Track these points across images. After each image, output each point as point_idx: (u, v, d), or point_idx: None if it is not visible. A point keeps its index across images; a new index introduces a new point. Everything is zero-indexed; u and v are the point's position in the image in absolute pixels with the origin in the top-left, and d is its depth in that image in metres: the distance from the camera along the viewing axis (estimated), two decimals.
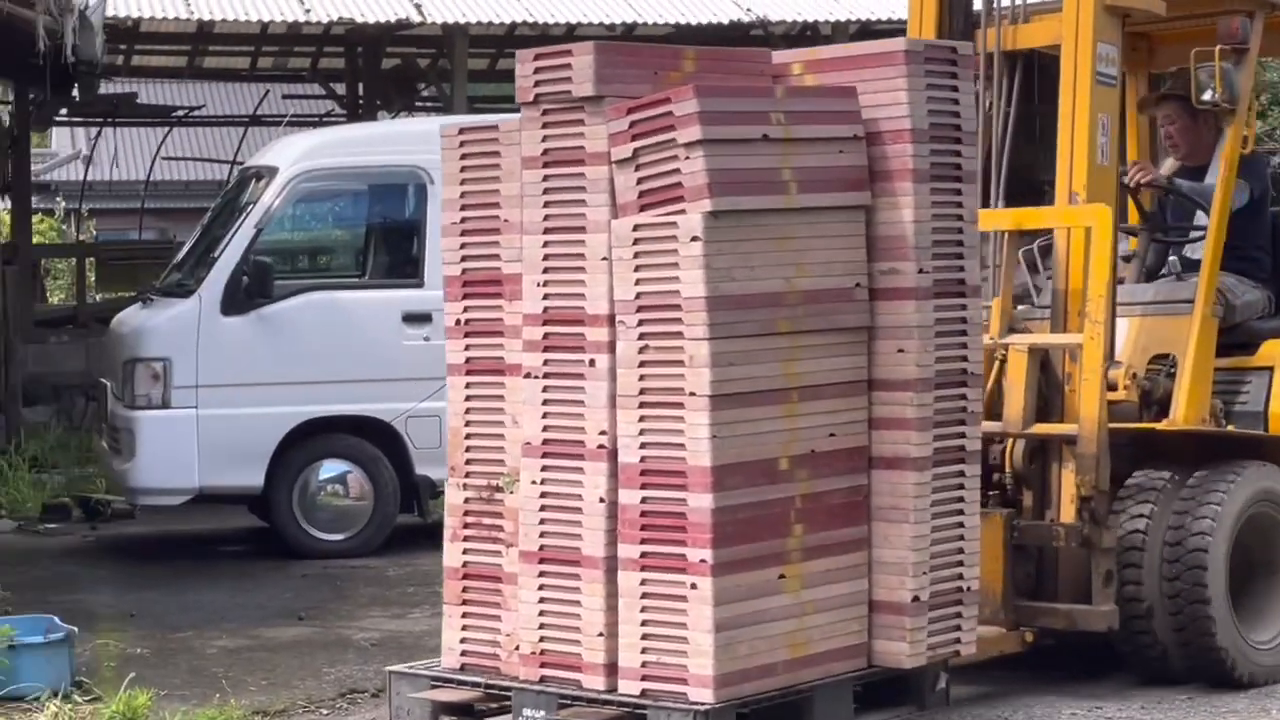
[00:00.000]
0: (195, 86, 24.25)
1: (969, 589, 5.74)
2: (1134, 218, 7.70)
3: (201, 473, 9.99)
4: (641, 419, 5.27)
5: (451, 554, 5.85)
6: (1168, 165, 8.19)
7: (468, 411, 5.80)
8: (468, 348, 5.81)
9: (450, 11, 15.32)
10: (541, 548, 5.55)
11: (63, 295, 21.96)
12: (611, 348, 5.37)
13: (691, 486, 5.17)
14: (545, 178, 5.52)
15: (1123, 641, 6.56)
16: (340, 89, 18.93)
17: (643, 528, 5.29)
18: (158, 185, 22.57)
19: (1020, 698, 6.54)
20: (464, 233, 5.80)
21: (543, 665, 5.55)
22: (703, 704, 5.14)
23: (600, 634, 5.39)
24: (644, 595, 5.29)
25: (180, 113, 20.41)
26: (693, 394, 5.16)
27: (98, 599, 7.60)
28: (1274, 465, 6.89)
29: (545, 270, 5.53)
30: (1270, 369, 7.38)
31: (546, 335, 5.53)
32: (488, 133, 5.72)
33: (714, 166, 5.15)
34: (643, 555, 5.29)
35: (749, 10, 15.60)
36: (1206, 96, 7.05)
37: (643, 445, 5.27)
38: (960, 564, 5.73)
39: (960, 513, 5.73)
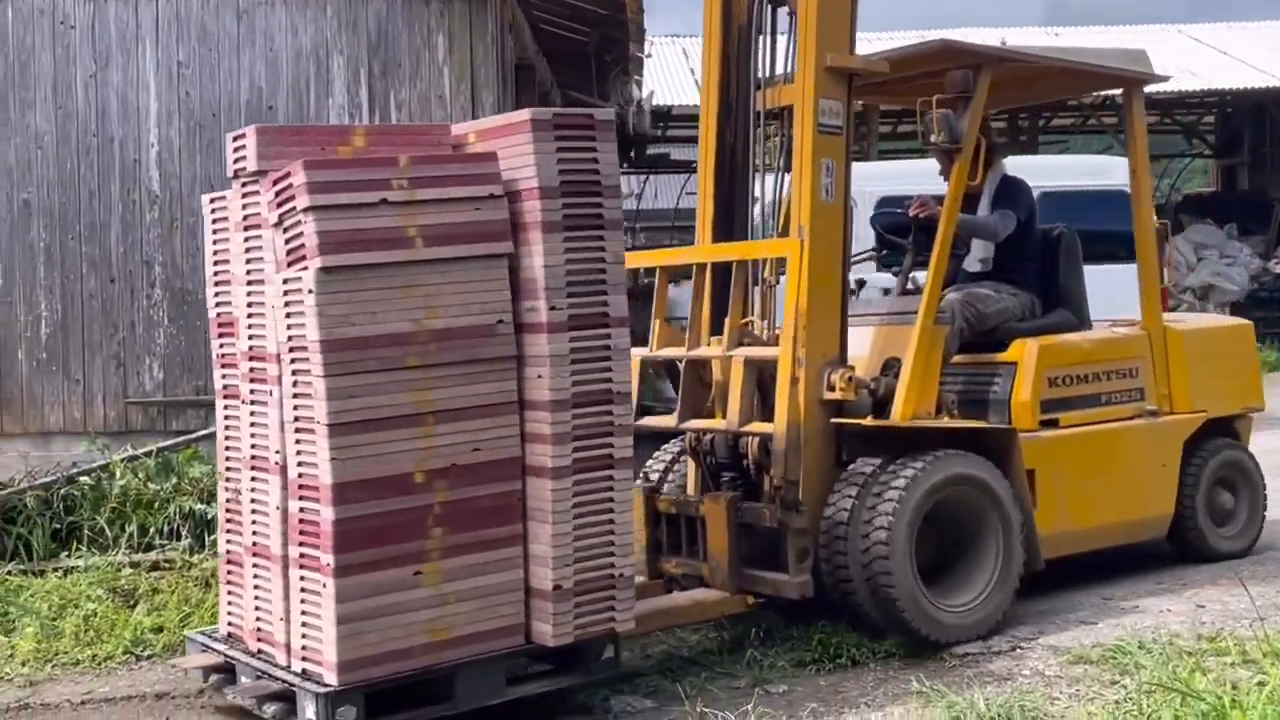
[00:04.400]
0: None
1: (621, 575, 5.03)
2: None
3: None
4: (298, 441, 4.77)
5: (220, 543, 5.33)
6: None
7: (226, 428, 5.29)
8: (224, 376, 5.32)
9: None
10: (254, 544, 5.11)
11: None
12: (281, 380, 4.72)
13: (321, 500, 4.59)
14: (245, 239, 5.06)
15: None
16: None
17: (301, 533, 4.80)
18: (680, 212, 24.13)
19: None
20: (216, 283, 5.32)
21: (259, 640, 5.00)
22: (328, 687, 4.48)
23: (282, 619, 4.84)
24: (302, 589, 4.83)
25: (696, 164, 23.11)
26: (319, 423, 4.49)
27: None
28: (973, 453, 5.87)
29: (249, 315, 5.07)
30: (1015, 364, 6.36)
31: (251, 369, 5.05)
32: (222, 200, 5.14)
33: (323, 229, 4.57)
34: (301, 555, 4.82)
35: None
36: (932, 139, 6.05)
37: (299, 463, 4.77)
38: (611, 554, 4.98)
39: (610, 511, 5.01)
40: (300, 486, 4.76)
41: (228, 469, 5.34)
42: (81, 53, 8.71)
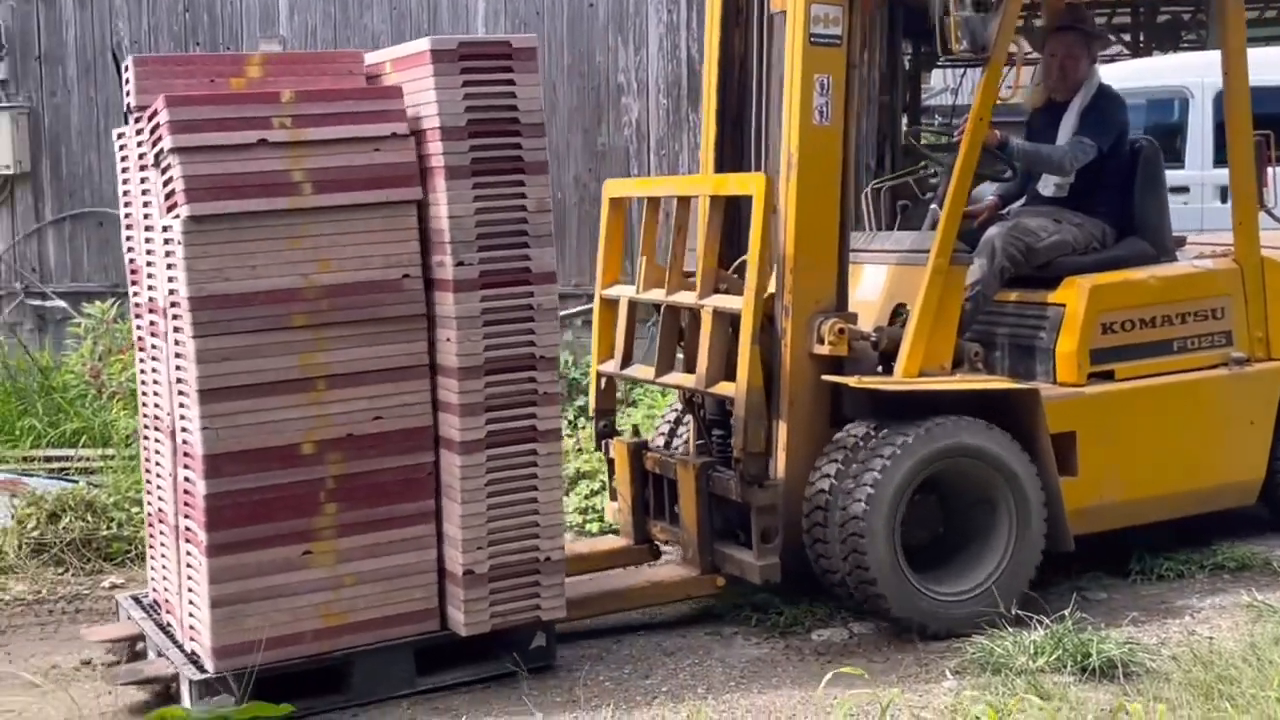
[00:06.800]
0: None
1: (548, 559, 4.69)
2: None
3: None
4: (181, 405, 4.53)
5: (145, 502, 5.11)
6: (1034, 96, 6.46)
7: (143, 383, 5.01)
8: (138, 327, 5.01)
9: None
10: (159, 510, 4.87)
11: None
12: (167, 337, 4.48)
13: (195, 471, 4.29)
14: (143, 179, 4.74)
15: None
16: (1126, 37, 22.38)
17: (184, 504, 4.48)
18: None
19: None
20: (126, 226, 4.99)
21: (167, 614, 4.79)
22: (204, 674, 4.27)
23: (177, 593, 4.57)
24: (187, 565, 4.49)
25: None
26: (190, 387, 4.22)
27: None
28: (989, 416, 5.30)
29: (148, 264, 4.74)
30: (1063, 307, 5.71)
31: (152, 323, 4.72)
32: (125, 138, 4.85)
33: (190, 173, 4.25)
34: (186, 529, 4.49)
35: None
36: (953, 47, 5.41)
37: (182, 429, 4.48)
38: (535, 537, 4.61)
39: (533, 489, 4.62)
40: (185, 455, 4.49)
41: (144, 427, 5.11)
42: None
